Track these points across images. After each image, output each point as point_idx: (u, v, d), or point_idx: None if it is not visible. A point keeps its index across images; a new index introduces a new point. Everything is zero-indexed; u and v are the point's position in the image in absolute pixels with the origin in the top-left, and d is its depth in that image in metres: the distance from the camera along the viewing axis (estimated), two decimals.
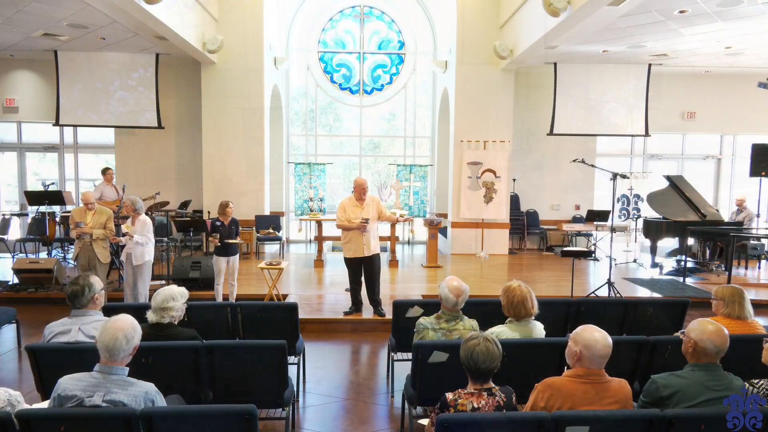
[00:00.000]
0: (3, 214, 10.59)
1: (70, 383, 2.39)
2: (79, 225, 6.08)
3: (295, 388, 3.81)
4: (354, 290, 6.32)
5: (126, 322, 2.46)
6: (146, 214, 8.75)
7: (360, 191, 6.13)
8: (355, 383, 4.67)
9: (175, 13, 7.76)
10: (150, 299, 6.21)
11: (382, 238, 7.73)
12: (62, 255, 9.23)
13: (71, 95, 10.14)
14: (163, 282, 7.38)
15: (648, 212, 10.41)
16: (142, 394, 2.41)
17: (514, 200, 11.48)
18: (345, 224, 6.08)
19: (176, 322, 3.34)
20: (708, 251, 9.50)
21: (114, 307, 4.20)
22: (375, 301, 6.29)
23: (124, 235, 6.00)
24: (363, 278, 6.26)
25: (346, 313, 6.27)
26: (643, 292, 7.51)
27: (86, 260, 6.18)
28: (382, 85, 12.23)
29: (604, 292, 6.92)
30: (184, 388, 3.20)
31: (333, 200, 12.97)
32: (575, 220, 11.57)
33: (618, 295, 6.71)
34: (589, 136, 11.13)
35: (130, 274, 6.08)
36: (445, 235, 11.15)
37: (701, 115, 11.80)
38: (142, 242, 5.99)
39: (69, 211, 6.51)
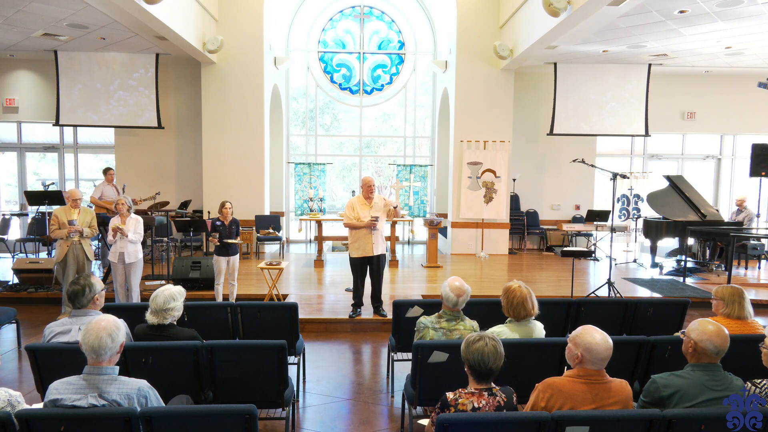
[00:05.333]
0: (3, 214, 10.59)
1: (61, 387, 2.38)
2: (73, 223, 6.05)
3: (295, 388, 3.81)
4: (358, 290, 6.29)
5: (108, 320, 2.45)
6: (146, 213, 8.83)
7: (367, 189, 6.11)
8: (355, 383, 4.67)
9: (175, 13, 7.76)
10: (141, 297, 6.27)
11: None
12: None
13: (71, 95, 10.14)
14: (163, 282, 7.39)
15: (648, 212, 10.41)
16: (134, 391, 2.40)
17: (514, 200, 11.48)
18: (354, 222, 6.05)
19: (175, 322, 3.34)
20: (708, 251, 9.50)
21: (111, 307, 4.19)
22: (378, 301, 6.29)
23: (118, 232, 5.95)
24: (368, 278, 6.24)
25: (351, 317, 6.22)
26: (643, 292, 7.51)
27: (75, 259, 6.15)
28: (382, 85, 12.23)
29: (604, 292, 6.92)
30: (184, 388, 3.20)
31: (333, 200, 12.97)
32: (575, 220, 11.57)
33: (618, 295, 6.71)
34: (589, 136, 11.13)
35: (121, 273, 6.07)
36: (445, 235, 11.15)
37: (701, 115, 11.80)
38: (135, 240, 6.02)
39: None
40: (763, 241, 9.37)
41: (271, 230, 9.79)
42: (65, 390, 2.36)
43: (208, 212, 9.90)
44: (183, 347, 3.18)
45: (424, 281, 8.19)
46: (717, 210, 9.92)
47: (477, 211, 10.51)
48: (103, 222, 7.16)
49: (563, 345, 2.66)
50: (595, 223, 10.26)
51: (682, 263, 8.83)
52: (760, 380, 2.56)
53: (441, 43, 11.72)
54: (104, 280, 7.07)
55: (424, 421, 2.77)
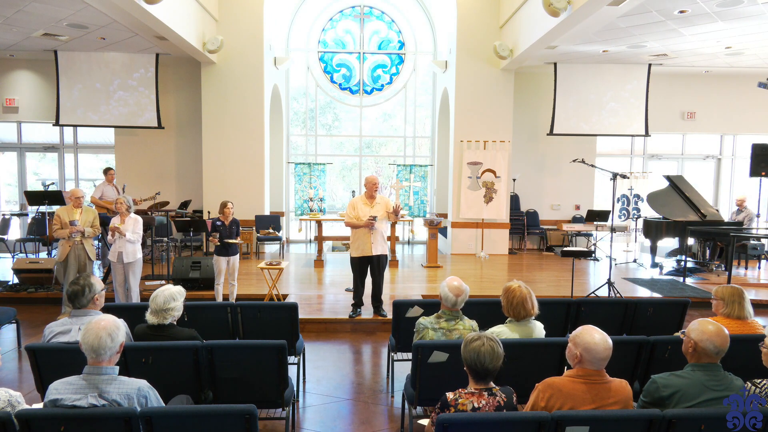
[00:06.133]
0: (3, 214, 10.59)
1: (61, 387, 2.38)
2: (75, 223, 6.06)
3: (295, 388, 3.81)
4: (358, 290, 6.30)
5: (108, 320, 2.45)
6: (146, 213, 8.83)
7: (370, 187, 6.13)
8: (355, 383, 4.67)
9: (175, 13, 7.76)
10: (141, 297, 6.27)
11: None
12: None
13: (71, 95, 10.14)
14: (163, 282, 7.39)
15: (648, 212, 10.41)
16: (134, 391, 2.40)
17: (514, 200, 11.48)
18: (353, 222, 6.08)
19: (175, 322, 3.34)
20: (708, 251, 9.50)
21: (111, 307, 4.19)
22: (378, 301, 6.29)
23: (116, 231, 5.94)
24: (368, 278, 6.24)
25: (351, 317, 6.22)
26: (643, 292, 7.51)
27: (76, 259, 6.16)
28: (382, 85, 12.23)
29: (604, 292, 6.92)
30: (184, 388, 3.20)
31: (333, 200, 12.97)
32: (575, 220, 11.57)
33: (618, 295, 6.71)
34: (589, 136, 11.13)
35: (120, 272, 6.07)
36: (445, 235, 11.15)
37: (701, 115, 11.80)
38: (133, 240, 6.02)
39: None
40: (763, 241, 9.37)
41: (271, 230, 9.79)
42: (65, 390, 2.36)
43: (208, 212, 9.90)
44: (183, 347, 3.18)
45: (424, 281, 8.19)
46: (717, 210, 9.92)
47: (477, 211, 10.51)
48: (103, 222, 7.16)
49: (563, 345, 2.66)
50: (595, 223, 10.26)
51: (682, 263, 8.83)
52: (760, 380, 2.56)
53: (441, 43, 11.72)
54: (104, 279, 7.07)
55: (424, 421, 2.77)
